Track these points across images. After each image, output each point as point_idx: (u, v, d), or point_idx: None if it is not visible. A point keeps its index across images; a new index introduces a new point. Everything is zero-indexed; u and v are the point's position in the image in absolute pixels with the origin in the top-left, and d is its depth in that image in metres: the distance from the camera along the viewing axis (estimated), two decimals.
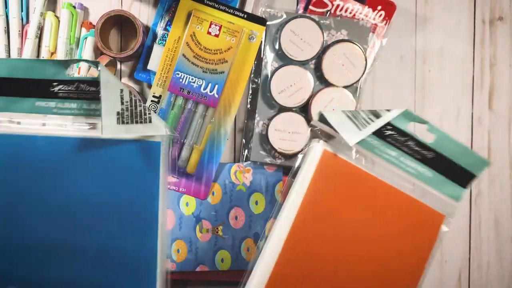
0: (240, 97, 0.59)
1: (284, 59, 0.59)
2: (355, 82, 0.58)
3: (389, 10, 0.59)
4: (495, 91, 0.63)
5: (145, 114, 0.41)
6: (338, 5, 0.59)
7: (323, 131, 0.45)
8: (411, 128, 0.45)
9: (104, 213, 0.39)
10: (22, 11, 0.59)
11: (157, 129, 0.41)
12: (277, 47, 0.59)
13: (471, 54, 0.63)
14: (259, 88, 0.59)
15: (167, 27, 0.59)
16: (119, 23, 0.61)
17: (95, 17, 0.61)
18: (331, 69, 0.58)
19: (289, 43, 0.58)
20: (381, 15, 0.59)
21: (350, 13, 0.59)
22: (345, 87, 0.58)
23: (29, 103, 0.41)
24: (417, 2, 0.62)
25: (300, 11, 0.60)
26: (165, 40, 0.58)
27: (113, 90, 0.40)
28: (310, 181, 0.44)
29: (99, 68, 0.40)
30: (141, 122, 0.40)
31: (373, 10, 0.59)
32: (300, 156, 0.46)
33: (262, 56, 0.59)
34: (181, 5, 0.57)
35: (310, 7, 0.59)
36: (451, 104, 0.63)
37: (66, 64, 0.40)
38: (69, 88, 0.41)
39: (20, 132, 0.40)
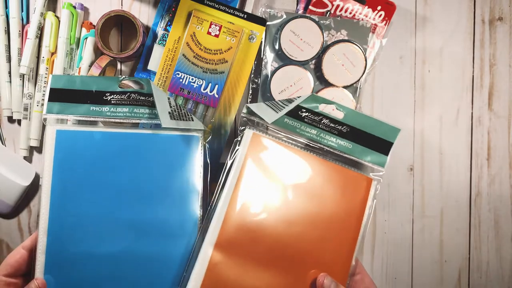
0: (240, 97, 0.59)
1: (284, 59, 0.59)
2: (355, 82, 0.58)
3: (389, 10, 0.59)
4: (494, 91, 0.63)
5: (187, 115, 0.52)
6: (338, 5, 0.59)
7: (251, 120, 0.52)
8: (322, 108, 0.52)
9: (163, 191, 0.50)
10: (22, 11, 0.59)
11: (197, 125, 0.52)
12: (277, 47, 0.59)
13: (471, 54, 0.63)
14: (259, 88, 0.59)
15: (167, 27, 0.59)
16: (119, 23, 0.61)
17: (95, 17, 0.61)
18: (331, 69, 0.58)
19: (289, 43, 0.58)
20: (381, 15, 0.59)
21: (350, 13, 0.60)
22: (345, 87, 0.58)
23: (84, 108, 0.50)
24: (417, 2, 0.62)
25: (300, 11, 0.60)
26: (165, 40, 0.58)
27: (162, 97, 0.52)
28: (243, 160, 0.50)
29: (151, 83, 0.51)
30: (185, 120, 0.52)
31: (373, 10, 0.59)
32: (236, 142, 0.52)
33: (262, 56, 0.59)
34: (181, 5, 0.57)
35: (310, 7, 0.60)
36: (451, 104, 0.63)
37: (116, 80, 0.51)
38: (122, 97, 0.50)
39: (100, 129, 0.50)
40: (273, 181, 0.50)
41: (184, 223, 0.50)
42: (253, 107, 0.51)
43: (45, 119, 0.50)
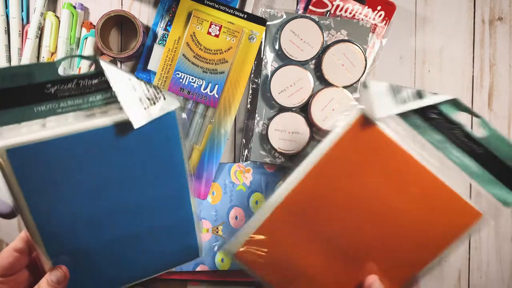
0: (240, 97, 0.59)
1: (284, 59, 0.59)
2: (355, 82, 0.58)
3: (389, 10, 0.59)
4: (494, 91, 0.63)
5: (158, 93, 0.42)
6: (338, 5, 0.59)
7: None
8: (460, 118, 0.43)
9: (147, 181, 0.45)
10: (22, 11, 0.59)
11: (173, 102, 0.42)
12: (277, 47, 0.59)
13: (471, 54, 0.63)
14: (259, 88, 0.59)
15: (167, 27, 0.59)
16: (119, 23, 0.61)
17: (95, 17, 0.61)
18: (331, 69, 0.58)
19: (289, 43, 0.58)
20: (381, 15, 0.59)
21: (350, 13, 0.60)
22: (345, 87, 0.58)
23: (27, 111, 0.39)
24: (417, 2, 0.62)
25: (300, 11, 0.60)
26: (165, 40, 0.58)
27: (122, 80, 0.40)
28: (337, 139, 0.43)
29: (99, 61, 0.39)
30: (158, 102, 0.41)
31: (373, 10, 0.59)
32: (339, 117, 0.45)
33: (262, 56, 0.59)
34: (181, 5, 0.57)
35: (310, 7, 0.60)
36: None
37: (56, 64, 0.39)
38: (68, 86, 0.39)
39: (55, 135, 0.40)
40: (365, 172, 0.43)
41: (176, 196, 0.47)
42: (373, 85, 0.42)
43: None
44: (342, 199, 0.44)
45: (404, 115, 0.42)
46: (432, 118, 0.42)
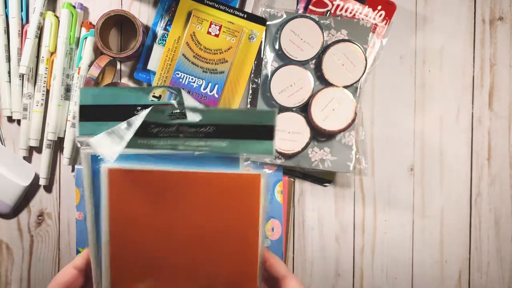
0: (240, 97, 0.59)
1: (284, 59, 0.59)
2: (355, 82, 0.58)
3: (389, 10, 0.59)
4: (495, 91, 0.63)
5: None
6: (338, 5, 0.59)
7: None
8: (173, 117, 0.45)
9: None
10: (22, 11, 0.59)
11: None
12: (277, 47, 0.59)
13: (471, 54, 0.63)
14: (259, 88, 0.59)
15: (167, 27, 0.59)
16: (119, 23, 0.61)
17: (95, 17, 0.61)
18: (331, 69, 0.58)
19: (289, 43, 0.58)
20: (381, 15, 0.59)
21: (350, 13, 0.59)
22: (345, 87, 0.58)
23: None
24: (417, 2, 0.62)
25: (300, 11, 0.60)
26: (165, 40, 0.58)
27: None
28: (108, 201, 0.44)
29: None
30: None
31: (373, 10, 0.59)
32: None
33: (262, 56, 0.59)
34: (181, 5, 0.57)
35: (310, 7, 0.59)
36: (451, 104, 0.63)
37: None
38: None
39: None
40: (153, 212, 0.45)
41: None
42: (93, 142, 0.44)
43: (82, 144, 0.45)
44: (156, 240, 0.45)
45: (136, 143, 0.44)
46: (155, 133, 0.44)
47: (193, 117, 0.45)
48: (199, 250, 0.46)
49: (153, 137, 0.45)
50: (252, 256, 0.46)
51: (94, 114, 0.46)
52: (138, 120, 0.44)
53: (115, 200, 0.45)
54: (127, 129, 0.44)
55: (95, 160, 0.45)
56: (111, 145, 0.44)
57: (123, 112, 0.46)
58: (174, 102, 0.48)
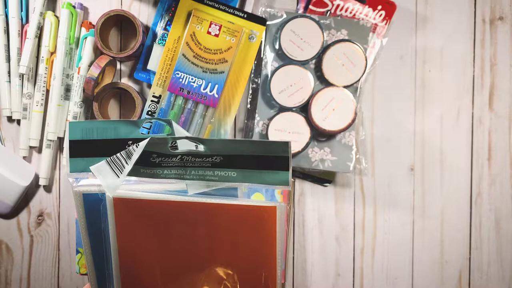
0: (240, 97, 0.58)
1: (284, 59, 0.59)
2: (355, 82, 0.58)
3: (389, 10, 0.59)
4: (495, 91, 0.63)
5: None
6: (338, 5, 0.59)
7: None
8: (178, 146, 0.45)
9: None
10: (21, 11, 0.59)
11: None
12: (277, 47, 0.58)
13: (471, 54, 0.63)
14: (259, 88, 0.59)
15: (167, 27, 0.59)
16: (119, 23, 0.61)
17: (95, 17, 0.61)
18: (331, 69, 0.58)
19: (289, 43, 0.58)
20: (381, 15, 0.59)
21: (350, 13, 0.59)
22: (345, 87, 0.58)
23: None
24: (417, 2, 0.62)
25: (300, 11, 0.60)
26: (165, 40, 0.58)
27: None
28: (115, 231, 0.44)
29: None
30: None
31: (373, 10, 0.59)
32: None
33: (262, 56, 0.59)
34: (181, 4, 0.57)
35: (310, 6, 0.59)
36: (451, 104, 0.63)
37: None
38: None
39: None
40: (159, 244, 0.44)
41: None
42: (95, 171, 0.43)
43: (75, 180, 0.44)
44: (166, 274, 0.44)
45: (134, 174, 0.43)
46: (158, 163, 0.43)
47: (195, 148, 0.44)
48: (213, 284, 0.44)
49: (156, 167, 0.43)
50: None
51: (84, 150, 0.44)
52: (137, 151, 0.42)
53: (122, 229, 0.43)
54: (126, 160, 0.43)
55: (89, 199, 0.44)
56: (111, 176, 0.43)
57: (114, 147, 0.44)
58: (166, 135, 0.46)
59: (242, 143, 0.43)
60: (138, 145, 0.43)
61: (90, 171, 0.44)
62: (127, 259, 0.44)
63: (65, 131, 0.58)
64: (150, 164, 0.43)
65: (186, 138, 0.43)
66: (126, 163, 0.43)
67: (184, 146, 0.44)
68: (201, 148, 0.43)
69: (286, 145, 0.43)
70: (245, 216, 0.43)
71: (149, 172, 0.43)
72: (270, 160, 0.43)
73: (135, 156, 0.42)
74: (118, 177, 0.43)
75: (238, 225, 0.43)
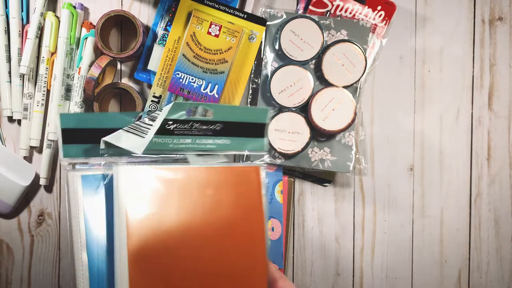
0: (240, 97, 0.59)
1: (284, 59, 0.59)
2: (355, 82, 0.58)
3: (389, 10, 0.59)
4: (494, 91, 0.63)
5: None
6: (338, 5, 0.59)
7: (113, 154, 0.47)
8: (191, 114, 0.49)
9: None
10: (22, 11, 0.59)
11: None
12: (277, 47, 0.59)
13: (471, 54, 0.63)
14: (259, 88, 0.59)
15: (167, 27, 0.59)
16: (119, 23, 0.61)
17: (95, 17, 0.61)
18: (331, 69, 0.58)
19: (289, 43, 0.58)
20: (381, 15, 0.59)
21: (350, 13, 0.60)
22: (345, 87, 0.58)
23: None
24: (417, 2, 0.62)
25: (300, 11, 0.60)
26: (165, 40, 0.58)
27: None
28: (126, 203, 0.44)
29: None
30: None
31: (373, 10, 0.59)
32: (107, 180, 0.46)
33: (262, 56, 0.59)
34: (181, 5, 0.57)
35: (310, 7, 0.59)
36: (451, 104, 0.63)
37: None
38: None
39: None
40: (164, 211, 0.45)
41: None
42: (113, 139, 0.45)
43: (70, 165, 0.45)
44: (175, 238, 0.45)
45: (151, 143, 0.45)
46: (172, 129, 0.46)
47: (207, 113, 0.49)
48: (208, 244, 0.46)
49: (168, 135, 0.46)
50: (260, 245, 0.47)
51: (78, 137, 0.45)
52: (161, 114, 0.46)
53: (131, 200, 0.44)
54: (149, 123, 0.46)
55: (88, 181, 0.43)
56: (135, 138, 0.45)
57: (108, 134, 0.45)
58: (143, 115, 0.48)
59: (237, 109, 0.48)
60: (162, 109, 0.46)
61: (84, 156, 0.45)
62: (135, 234, 0.44)
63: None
64: (164, 132, 0.46)
65: (199, 104, 0.49)
66: (151, 125, 0.46)
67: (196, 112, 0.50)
68: (210, 113, 0.48)
69: (264, 111, 0.49)
70: (236, 177, 0.47)
71: (160, 141, 0.46)
72: (254, 126, 0.49)
73: (159, 120, 0.45)
74: (143, 137, 0.45)
75: (230, 186, 0.47)
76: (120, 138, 0.45)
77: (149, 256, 0.44)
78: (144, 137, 0.45)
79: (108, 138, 0.44)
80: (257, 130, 0.49)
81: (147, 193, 0.44)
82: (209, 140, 0.48)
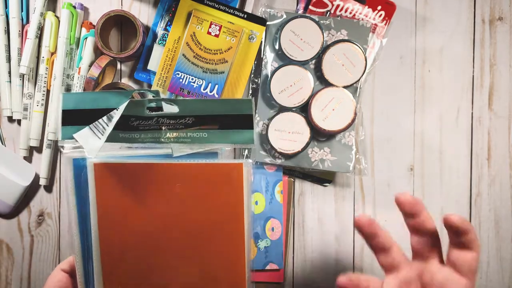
0: (240, 97, 0.59)
1: (284, 59, 0.59)
2: (355, 82, 0.58)
3: (389, 10, 0.59)
4: (495, 91, 0.63)
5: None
6: (338, 5, 0.59)
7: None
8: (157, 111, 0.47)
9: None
10: (22, 11, 0.59)
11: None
12: (277, 47, 0.59)
13: (471, 54, 0.63)
14: (259, 88, 0.59)
15: (167, 27, 0.59)
16: (119, 23, 0.61)
17: (95, 17, 0.61)
18: (331, 69, 0.58)
19: (289, 43, 0.58)
20: (381, 15, 0.59)
21: (350, 13, 0.60)
22: (345, 87, 0.58)
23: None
24: (417, 2, 0.62)
25: (300, 11, 0.60)
26: (165, 40, 0.58)
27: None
28: (95, 195, 0.45)
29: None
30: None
31: (373, 10, 0.59)
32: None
33: (262, 56, 0.59)
34: (181, 5, 0.57)
35: (310, 7, 0.59)
36: (451, 104, 0.63)
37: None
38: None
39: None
40: (139, 207, 0.46)
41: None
42: (76, 136, 0.46)
43: (62, 147, 0.46)
44: (145, 242, 0.46)
45: (118, 137, 0.45)
46: (136, 126, 0.45)
47: (171, 109, 0.46)
48: (187, 244, 0.46)
49: (134, 130, 0.45)
50: (239, 247, 0.47)
51: (76, 118, 0.46)
52: (117, 113, 0.45)
53: (102, 194, 0.46)
54: (107, 123, 0.45)
55: (78, 164, 0.45)
56: (93, 140, 0.45)
57: (103, 116, 0.46)
58: (150, 95, 0.48)
59: (211, 103, 0.46)
60: (118, 108, 0.45)
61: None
62: (106, 224, 0.46)
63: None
64: (128, 128, 0.45)
65: (162, 99, 0.45)
66: (107, 125, 0.45)
67: (160, 108, 0.47)
68: (175, 109, 0.45)
69: (249, 102, 0.46)
70: (216, 174, 0.47)
71: (127, 136, 0.45)
72: (235, 118, 0.46)
73: (115, 119, 0.44)
74: (99, 139, 0.45)
75: (210, 183, 0.46)
76: (83, 137, 0.45)
77: (120, 249, 0.46)
78: (99, 139, 0.45)
79: (76, 135, 0.45)
80: (242, 122, 0.46)
81: (117, 188, 0.45)
82: (182, 133, 0.46)
